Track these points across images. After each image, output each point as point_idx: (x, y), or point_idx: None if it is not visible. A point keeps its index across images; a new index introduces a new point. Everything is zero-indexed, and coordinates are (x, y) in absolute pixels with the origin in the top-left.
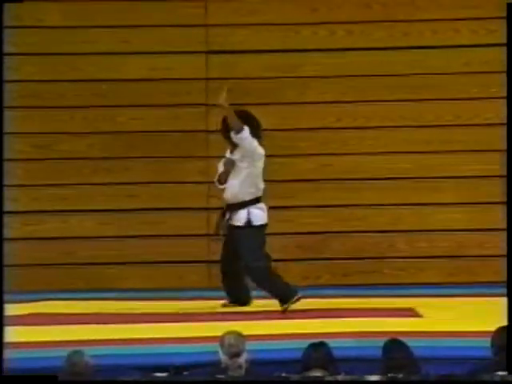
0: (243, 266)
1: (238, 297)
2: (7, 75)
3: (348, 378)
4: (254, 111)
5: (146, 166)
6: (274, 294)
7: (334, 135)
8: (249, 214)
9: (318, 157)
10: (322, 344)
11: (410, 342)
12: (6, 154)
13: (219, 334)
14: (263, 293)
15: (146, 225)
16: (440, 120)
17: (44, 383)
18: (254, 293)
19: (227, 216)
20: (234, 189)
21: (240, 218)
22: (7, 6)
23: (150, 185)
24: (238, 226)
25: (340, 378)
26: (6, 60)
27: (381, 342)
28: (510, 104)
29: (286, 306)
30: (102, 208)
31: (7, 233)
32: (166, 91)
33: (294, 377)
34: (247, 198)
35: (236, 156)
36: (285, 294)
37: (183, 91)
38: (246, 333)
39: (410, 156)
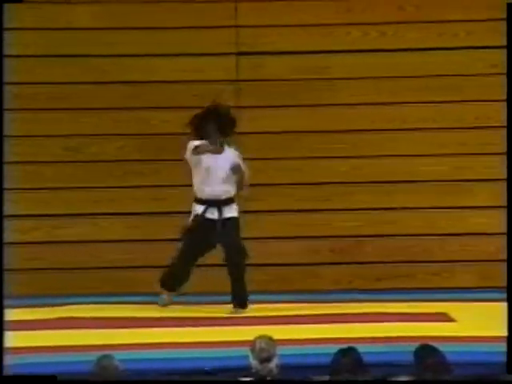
0: (237, 255)
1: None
2: (35, 77)
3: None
4: (286, 113)
5: (176, 169)
6: (245, 293)
7: (368, 137)
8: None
9: (351, 159)
10: (351, 349)
11: (442, 347)
12: (36, 157)
13: (248, 338)
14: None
15: (176, 228)
16: (477, 122)
17: (43, 383)
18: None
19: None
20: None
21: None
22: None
23: (181, 188)
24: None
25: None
26: (35, 62)
27: (413, 347)
28: (510, 105)
29: (240, 310)
30: (132, 211)
31: (37, 236)
32: (197, 93)
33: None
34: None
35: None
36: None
37: (213, 93)
38: (277, 337)
39: (445, 158)
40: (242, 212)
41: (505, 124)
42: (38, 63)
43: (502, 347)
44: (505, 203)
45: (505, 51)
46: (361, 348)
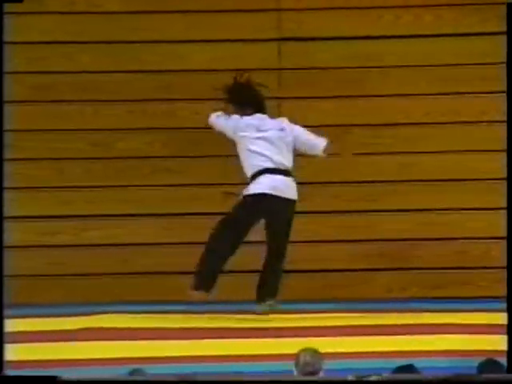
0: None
1: None
2: (60, 65)
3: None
4: (332, 105)
5: (211, 166)
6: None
7: (421, 131)
8: None
9: (403, 155)
10: (409, 367)
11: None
12: (58, 153)
13: (291, 351)
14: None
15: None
16: None
17: (43, 383)
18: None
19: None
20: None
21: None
22: None
23: (216, 186)
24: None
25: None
26: (59, 49)
27: (475, 361)
28: (510, 104)
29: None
30: (164, 212)
31: (63, 239)
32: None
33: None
34: None
35: None
36: None
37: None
38: (322, 350)
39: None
40: None
41: None
42: (59, 50)
43: (497, 378)
44: None
45: None
46: (417, 363)
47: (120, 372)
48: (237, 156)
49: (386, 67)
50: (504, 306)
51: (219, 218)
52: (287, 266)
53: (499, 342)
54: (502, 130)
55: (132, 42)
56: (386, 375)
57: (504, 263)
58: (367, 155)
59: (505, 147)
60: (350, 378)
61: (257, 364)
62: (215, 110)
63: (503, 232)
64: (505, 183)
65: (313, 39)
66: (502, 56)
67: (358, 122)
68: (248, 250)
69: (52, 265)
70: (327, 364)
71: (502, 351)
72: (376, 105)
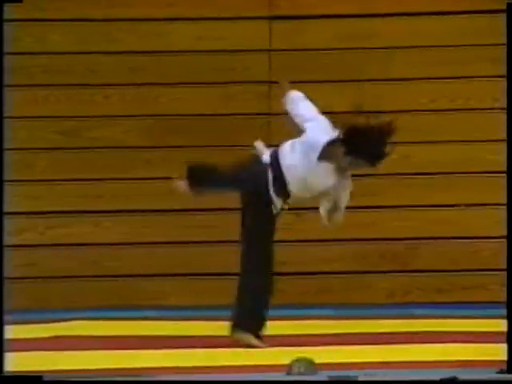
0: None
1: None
2: (27, 46)
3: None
4: (326, 89)
5: (193, 157)
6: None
7: (427, 119)
8: None
9: (406, 146)
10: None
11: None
12: (26, 143)
13: (282, 362)
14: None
15: (194, 229)
16: None
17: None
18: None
19: None
20: None
21: None
22: None
23: None
24: None
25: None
26: (25, 29)
27: (486, 372)
28: (510, 103)
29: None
30: (141, 208)
31: (28, 238)
32: (219, 66)
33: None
34: None
35: None
36: None
37: (240, 65)
38: (317, 360)
39: None
40: None
41: None
42: (27, 29)
43: (497, 378)
44: None
45: None
46: (424, 374)
47: None
48: (222, 146)
49: (387, 48)
50: None
51: (201, 214)
52: (279, 268)
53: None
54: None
55: (107, 19)
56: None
57: None
58: None
59: None
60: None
61: (241, 376)
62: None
63: None
64: None
65: (306, 17)
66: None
67: (356, 108)
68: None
69: (17, 266)
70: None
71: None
72: (375, 89)
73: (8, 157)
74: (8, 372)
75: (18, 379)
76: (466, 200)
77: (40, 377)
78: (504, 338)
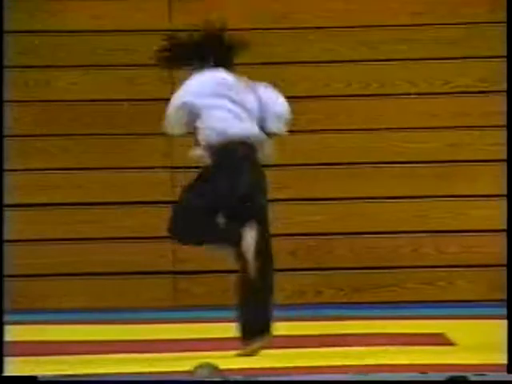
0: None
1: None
2: None
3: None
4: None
5: (91, 147)
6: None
7: (341, 105)
8: None
9: (319, 134)
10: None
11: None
12: None
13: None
14: None
15: (90, 224)
16: (478, 85)
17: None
18: None
19: None
20: None
21: None
22: None
23: (97, 171)
24: None
25: None
26: None
27: (402, 376)
28: (510, 100)
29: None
30: (32, 202)
31: None
32: (117, 47)
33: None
34: None
35: None
36: None
37: (140, 46)
38: (223, 365)
39: (440, 133)
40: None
41: None
42: None
43: (497, 378)
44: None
45: None
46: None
47: None
48: (121, 135)
49: (300, 29)
50: (433, 312)
51: (101, 208)
52: (182, 267)
53: (429, 355)
54: (438, 103)
55: None
56: None
57: (436, 262)
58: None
59: (444, 124)
60: None
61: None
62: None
63: (434, 224)
64: (446, 166)
65: None
66: (441, 16)
67: None
68: None
69: None
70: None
71: (431, 365)
72: (288, 73)
73: None
74: None
75: (13, 380)
76: (383, 192)
77: (35, 377)
78: (419, 340)
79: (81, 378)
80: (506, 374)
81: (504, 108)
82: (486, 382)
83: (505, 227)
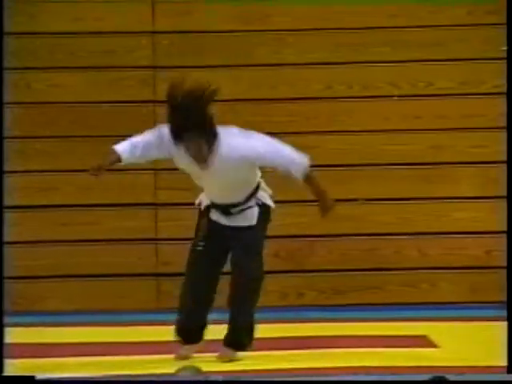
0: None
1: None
2: None
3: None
4: (214, 75)
5: (71, 149)
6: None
7: (321, 107)
8: None
9: (300, 135)
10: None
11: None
12: None
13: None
14: None
15: (72, 226)
16: (460, 87)
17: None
18: None
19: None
20: None
21: None
22: None
23: (78, 173)
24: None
25: None
26: None
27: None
28: (509, 101)
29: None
30: (11, 204)
31: None
32: (99, 49)
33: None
34: None
35: None
36: None
37: (122, 49)
38: (206, 368)
39: (420, 135)
40: (155, 205)
41: (503, 91)
42: None
43: (497, 378)
44: (496, 193)
45: None
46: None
47: None
48: (103, 137)
49: (280, 31)
50: (416, 314)
51: (83, 210)
52: (164, 269)
53: (412, 357)
54: (419, 105)
55: None
56: None
57: (419, 264)
58: None
59: (426, 126)
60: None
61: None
62: None
63: (417, 226)
64: (428, 169)
65: None
66: (418, 18)
67: (247, 96)
68: None
69: None
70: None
71: (414, 367)
72: (268, 76)
73: None
74: None
75: (11, 379)
76: (365, 194)
77: (32, 377)
78: (402, 342)
79: (78, 379)
80: (506, 374)
81: (485, 110)
82: (486, 382)
83: (485, 230)
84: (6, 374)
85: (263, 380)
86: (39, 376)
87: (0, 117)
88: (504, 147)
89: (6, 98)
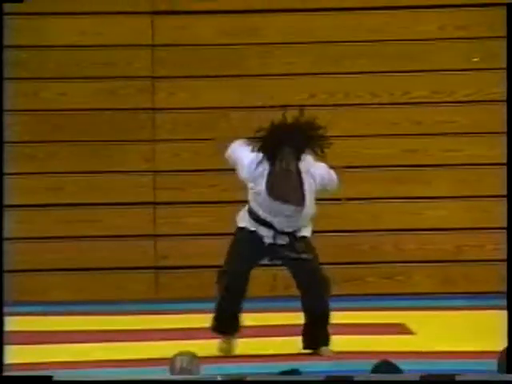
0: None
1: None
2: None
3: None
4: (210, 85)
5: (77, 152)
6: None
7: (306, 114)
8: None
9: None
10: (293, 372)
11: (400, 365)
12: None
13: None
14: None
15: (78, 223)
16: (433, 96)
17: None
18: None
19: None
20: None
21: None
22: None
23: (83, 175)
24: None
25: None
26: None
27: (366, 364)
28: (509, 104)
29: None
30: (22, 203)
31: None
32: (102, 61)
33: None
34: None
35: None
36: None
37: (123, 61)
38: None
39: (396, 139)
40: (154, 204)
41: (465, 99)
42: None
43: (468, 364)
44: (466, 192)
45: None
46: (303, 367)
47: None
48: (106, 141)
49: (268, 44)
50: (393, 303)
51: (87, 209)
52: (159, 263)
53: (390, 343)
54: (394, 112)
55: None
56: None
57: (396, 257)
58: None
59: (401, 131)
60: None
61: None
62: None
63: (392, 224)
64: (403, 171)
65: (188, 13)
66: (395, 32)
67: (239, 104)
68: None
69: None
70: (204, 369)
71: (391, 352)
72: (257, 85)
73: None
74: None
75: (28, 379)
76: (347, 194)
77: (50, 377)
78: (381, 329)
79: (95, 379)
80: (505, 374)
81: (456, 117)
82: (486, 382)
83: (456, 227)
84: (10, 360)
85: (263, 380)
86: (57, 376)
87: (0, 118)
88: (473, 151)
89: (17, 106)
